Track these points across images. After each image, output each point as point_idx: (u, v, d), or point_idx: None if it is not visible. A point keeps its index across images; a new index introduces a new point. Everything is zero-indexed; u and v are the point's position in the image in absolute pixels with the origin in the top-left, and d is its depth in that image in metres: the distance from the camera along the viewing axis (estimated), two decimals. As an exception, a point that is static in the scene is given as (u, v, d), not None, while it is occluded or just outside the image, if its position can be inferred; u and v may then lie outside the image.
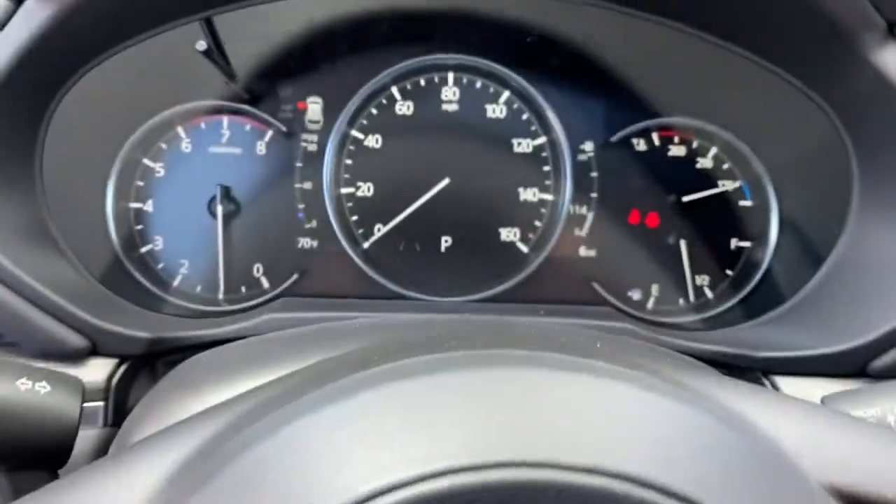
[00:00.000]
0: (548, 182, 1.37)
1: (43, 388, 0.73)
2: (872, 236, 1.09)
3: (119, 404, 0.99)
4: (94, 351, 0.99)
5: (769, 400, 0.54)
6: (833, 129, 1.09)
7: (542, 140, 1.36)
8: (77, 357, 0.98)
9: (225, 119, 1.32)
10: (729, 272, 1.38)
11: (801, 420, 0.51)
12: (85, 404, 0.79)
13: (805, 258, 1.26)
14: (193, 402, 0.77)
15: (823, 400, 0.85)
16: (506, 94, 1.35)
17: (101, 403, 0.97)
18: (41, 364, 0.95)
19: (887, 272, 1.04)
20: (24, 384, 0.72)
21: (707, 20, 1.03)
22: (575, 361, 0.48)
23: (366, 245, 1.35)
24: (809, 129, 1.21)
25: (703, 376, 0.58)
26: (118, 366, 1.00)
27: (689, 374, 0.54)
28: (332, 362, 0.58)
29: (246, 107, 1.30)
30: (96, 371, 0.98)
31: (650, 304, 1.39)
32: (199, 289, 1.32)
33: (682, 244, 1.37)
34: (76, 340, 0.97)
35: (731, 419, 0.47)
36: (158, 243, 1.32)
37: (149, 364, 1.07)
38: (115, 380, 0.99)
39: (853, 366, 1.04)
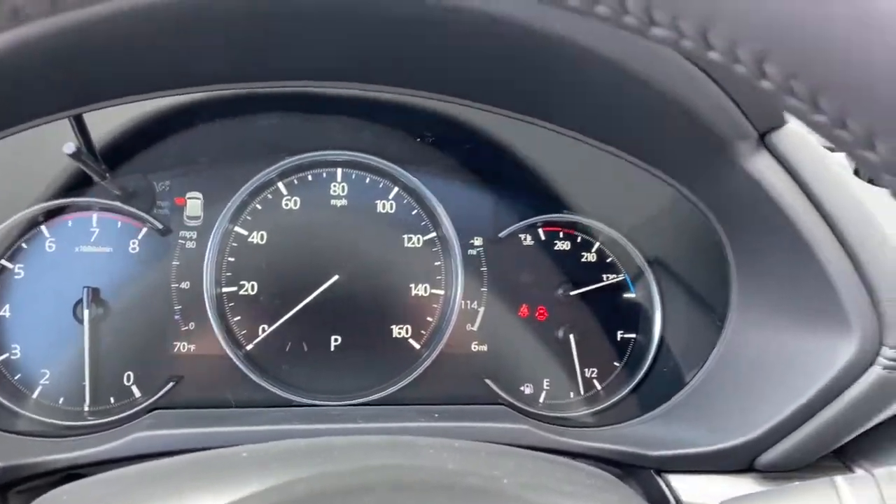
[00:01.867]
0: (438, 277, 1.35)
1: None
2: (752, 332, 1.13)
3: None
4: None
5: None
6: (712, 229, 1.14)
7: (432, 235, 1.35)
8: None
9: (94, 216, 1.23)
10: (617, 364, 1.41)
11: None
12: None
13: (690, 352, 1.29)
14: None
15: (720, 507, 0.86)
16: (395, 189, 1.34)
17: None
18: None
19: (768, 368, 1.08)
20: None
21: (594, 129, 1.07)
22: None
23: (249, 347, 1.28)
24: (689, 227, 1.26)
25: None
26: None
27: None
28: None
29: (118, 203, 1.22)
30: None
31: (542, 398, 1.38)
32: (61, 401, 1.20)
33: (571, 337, 1.38)
34: None
35: None
36: (16, 352, 1.19)
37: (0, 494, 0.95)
38: None
39: (742, 462, 1.07)
